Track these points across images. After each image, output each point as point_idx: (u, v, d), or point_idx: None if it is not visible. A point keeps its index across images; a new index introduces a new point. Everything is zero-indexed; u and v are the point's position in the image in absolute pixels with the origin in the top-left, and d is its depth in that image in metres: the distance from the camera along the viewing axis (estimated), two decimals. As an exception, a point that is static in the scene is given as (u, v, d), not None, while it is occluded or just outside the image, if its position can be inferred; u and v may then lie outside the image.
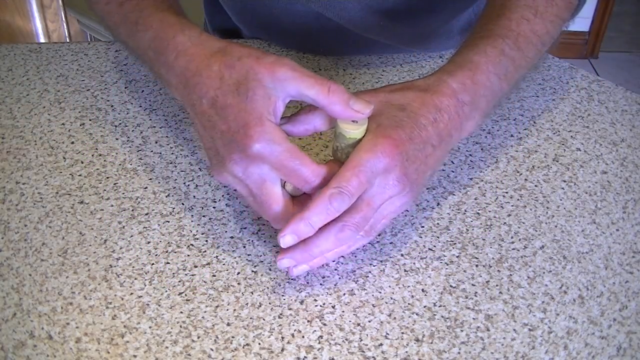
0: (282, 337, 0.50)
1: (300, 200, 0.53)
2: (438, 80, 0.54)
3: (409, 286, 0.54)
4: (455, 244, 0.58)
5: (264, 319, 0.51)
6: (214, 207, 0.60)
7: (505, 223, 0.60)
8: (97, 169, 0.64)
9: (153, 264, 0.55)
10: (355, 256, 0.56)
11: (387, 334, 0.51)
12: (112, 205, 0.60)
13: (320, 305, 0.52)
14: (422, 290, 0.54)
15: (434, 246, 0.58)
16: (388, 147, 0.49)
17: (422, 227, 0.60)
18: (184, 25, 0.56)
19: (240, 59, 0.51)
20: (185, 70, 0.53)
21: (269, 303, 0.52)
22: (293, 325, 0.51)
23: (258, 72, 0.50)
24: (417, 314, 0.52)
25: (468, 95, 0.54)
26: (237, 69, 0.51)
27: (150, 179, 0.63)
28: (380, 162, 0.49)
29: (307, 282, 0.54)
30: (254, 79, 0.50)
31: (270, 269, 0.55)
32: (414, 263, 0.56)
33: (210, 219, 0.59)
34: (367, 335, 0.50)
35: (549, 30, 0.61)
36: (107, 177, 0.63)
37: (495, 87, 0.56)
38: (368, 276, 0.55)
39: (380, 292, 0.54)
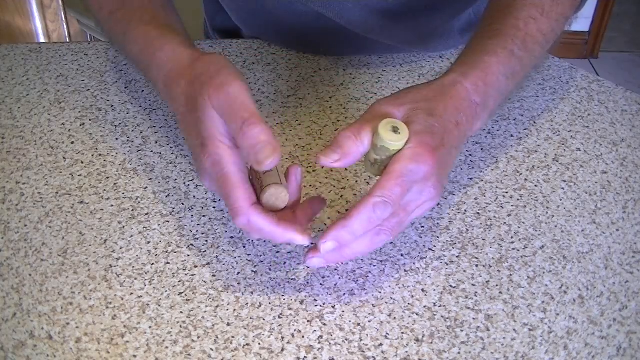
0: (282, 337, 0.50)
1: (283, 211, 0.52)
2: (453, 82, 0.54)
3: (409, 286, 0.54)
4: (455, 244, 0.58)
5: (264, 319, 0.51)
6: (214, 207, 0.60)
7: (505, 223, 0.60)
8: (97, 169, 0.64)
9: (153, 264, 0.55)
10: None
11: (387, 334, 0.51)
12: (112, 205, 0.60)
13: (320, 305, 0.52)
14: (422, 290, 0.54)
15: (434, 246, 0.58)
16: (428, 156, 0.49)
17: (422, 227, 0.60)
18: (163, 40, 0.57)
19: (199, 76, 0.53)
20: (163, 85, 0.56)
21: (269, 303, 0.52)
22: (293, 325, 0.51)
23: (207, 92, 0.51)
24: (417, 314, 0.52)
25: (479, 96, 0.55)
26: (195, 87, 0.52)
27: (150, 179, 0.63)
28: (422, 170, 0.49)
29: (307, 282, 0.54)
30: (203, 99, 0.51)
31: (270, 269, 0.55)
32: (414, 263, 0.56)
33: (210, 219, 0.59)
34: (367, 335, 0.50)
35: (554, 29, 0.61)
36: (107, 177, 0.63)
37: (503, 87, 0.57)
38: (368, 276, 0.55)
39: (380, 292, 0.54)
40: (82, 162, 0.65)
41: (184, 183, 0.63)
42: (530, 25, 0.59)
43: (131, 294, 0.53)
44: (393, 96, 0.54)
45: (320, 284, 0.54)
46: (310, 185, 0.63)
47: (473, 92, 0.54)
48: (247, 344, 0.49)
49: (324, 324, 0.51)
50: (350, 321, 0.51)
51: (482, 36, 0.59)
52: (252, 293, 0.53)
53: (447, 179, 0.55)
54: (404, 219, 0.51)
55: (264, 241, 0.57)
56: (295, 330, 0.51)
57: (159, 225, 0.59)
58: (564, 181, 0.65)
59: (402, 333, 0.51)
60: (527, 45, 0.58)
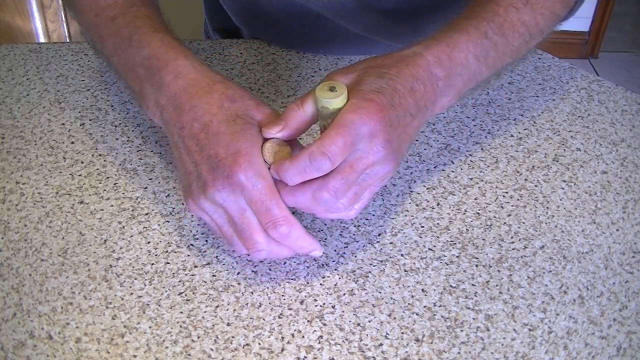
0: (282, 337, 0.50)
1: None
2: (413, 52, 0.53)
3: (409, 286, 0.54)
4: (455, 244, 0.58)
5: (264, 319, 0.51)
6: (214, 207, 0.60)
7: (505, 223, 0.60)
8: (97, 169, 0.64)
9: (153, 264, 0.55)
10: (355, 256, 0.56)
11: (387, 334, 0.51)
12: (112, 205, 0.60)
13: (320, 305, 0.52)
14: (422, 290, 0.54)
15: (434, 246, 0.58)
16: (373, 111, 0.48)
17: (422, 227, 0.60)
18: (187, 51, 0.56)
19: (242, 97, 0.52)
20: (182, 92, 0.53)
21: (269, 303, 0.52)
22: (293, 325, 0.51)
23: (256, 115, 0.52)
24: (417, 314, 0.52)
25: (442, 70, 0.53)
26: (238, 104, 0.52)
27: (150, 179, 0.63)
28: (366, 125, 0.48)
29: (307, 282, 0.54)
30: (251, 119, 0.51)
31: (270, 269, 0.55)
32: (414, 263, 0.56)
33: (210, 219, 0.59)
34: (367, 335, 0.50)
35: (538, 22, 0.60)
36: (107, 177, 0.63)
37: (473, 67, 0.55)
38: (368, 276, 0.55)
39: (380, 292, 0.54)
40: (82, 162, 0.65)
41: (184, 183, 0.63)
42: (511, 13, 0.58)
43: (131, 294, 0.53)
44: (347, 67, 0.53)
45: (320, 284, 0.54)
46: (310, 185, 0.63)
47: (435, 64, 0.53)
48: (247, 344, 0.49)
49: (324, 324, 0.51)
50: (350, 321, 0.51)
51: (458, 17, 0.58)
52: (252, 293, 0.53)
53: (407, 150, 0.54)
54: (350, 178, 0.49)
55: (264, 241, 0.57)
56: (295, 330, 0.51)
57: (159, 225, 0.59)
58: (564, 181, 0.65)
59: (402, 333, 0.51)
60: (504, 32, 0.57)
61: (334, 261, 0.56)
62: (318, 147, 0.47)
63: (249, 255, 0.52)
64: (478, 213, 0.61)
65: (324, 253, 0.56)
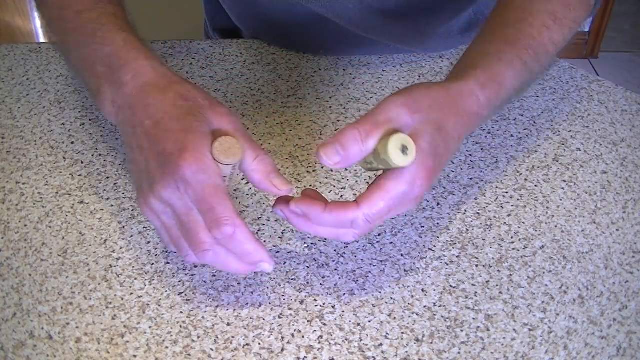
0: (282, 337, 0.50)
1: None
2: (470, 92, 0.53)
3: (409, 286, 0.54)
4: (455, 244, 0.58)
5: (264, 319, 0.51)
6: (214, 207, 0.60)
7: (505, 223, 0.60)
8: (97, 169, 0.64)
9: (153, 264, 0.55)
10: (355, 256, 0.56)
11: (387, 334, 0.51)
12: (112, 205, 0.60)
13: (320, 305, 0.52)
14: (422, 290, 0.54)
15: (434, 246, 0.58)
16: (425, 181, 0.49)
17: (422, 227, 0.60)
18: (149, 52, 0.55)
19: (197, 97, 0.51)
20: (139, 91, 0.53)
21: (269, 303, 0.52)
22: (293, 325, 0.51)
23: (208, 115, 0.50)
24: (417, 314, 0.52)
25: (488, 110, 0.54)
26: (191, 103, 0.51)
27: (150, 179, 0.63)
28: (413, 193, 0.48)
29: (307, 282, 0.54)
30: (203, 117, 0.50)
31: (270, 269, 0.55)
32: (414, 263, 0.56)
33: (210, 219, 0.59)
34: (367, 335, 0.50)
35: (565, 37, 0.60)
36: (107, 177, 0.63)
37: (508, 98, 0.57)
38: (368, 276, 0.55)
39: (380, 292, 0.54)
40: (82, 162, 0.65)
41: (184, 183, 0.63)
42: (544, 34, 0.58)
43: (131, 294, 0.53)
44: (408, 96, 0.50)
45: (320, 284, 0.54)
46: (310, 185, 0.63)
47: (485, 106, 0.54)
48: (247, 344, 0.49)
49: (324, 324, 0.51)
50: (350, 321, 0.51)
51: (497, 38, 0.58)
52: (252, 293, 0.53)
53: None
54: (378, 224, 0.50)
55: (264, 241, 0.57)
56: (295, 330, 0.51)
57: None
58: (564, 181, 0.65)
59: (402, 333, 0.51)
60: (539, 57, 0.58)
61: (334, 261, 0.56)
62: (365, 214, 0.48)
63: (197, 264, 0.51)
64: (478, 213, 0.61)
65: (323, 253, 0.56)
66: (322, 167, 0.65)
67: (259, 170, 0.50)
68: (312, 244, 0.57)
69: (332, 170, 0.65)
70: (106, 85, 0.54)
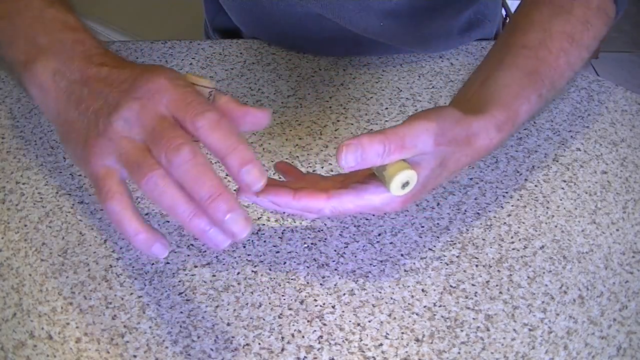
0: (282, 337, 0.50)
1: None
2: (487, 133, 0.52)
3: (409, 286, 0.54)
4: (455, 244, 0.58)
5: (264, 319, 0.51)
6: (214, 207, 0.60)
7: (505, 223, 0.60)
8: (97, 169, 0.64)
9: (153, 264, 0.55)
10: (355, 256, 0.56)
11: (387, 334, 0.51)
12: (112, 205, 0.60)
13: (320, 305, 0.52)
14: (422, 290, 0.54)
15: (434, 246, 0.58)
16: (400, 205, 0.49)
17: (422, 227, 0.60)
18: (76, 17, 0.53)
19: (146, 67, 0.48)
20: (73, 42, 0.50)
21: (269, 303, 0.52)
22: (293, 325, 0.51)
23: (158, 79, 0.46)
24: (417, 314, 0.52)
25: (496, 147, 0.54)
26: (145, 68, 0.48)
27: (150, 179, 0.63)
28: (385, 209, 0.49)
29: (307, 282, 0.54)
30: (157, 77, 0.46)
31: (270, 269, 0.55)
32: (414, 263, 0.56)
33: (210, 219, 0.59)
34: (367, 335, 0.50)
35: (583, 57, 0.60)
36: (107, 177, 0.63)
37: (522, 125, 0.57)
38: (368, 276, 0.55)
39: (380, 292, 0.54)
40: (82, 162, 0.65)
41: (184, 183, 0.63)
42: (561, 59, 0.58)
43: (131, 294, 0.53)
44: (438, 126, 0.49)
45: (320, 284, 0.54)
46: (310, 185, 0.63)
47: (495, 146, 0.54)
48: (247, 344, 0.49)
49: (324, 324, 0.51)
50: (350, 321, 0.51)
51: (519, 67, 0.56)
52: (252, 293, 0.53)
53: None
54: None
55: (264, 241, 0.57)
56: (295, 330, 0.51)
57: (159, 225, 0.58)
58: (564, 181, 0.65)
59: (402, 333, 0.51)
60: (555, 84, 0.57)
61: (334, 261, 0.56)
62: (331, 204, 0.48)
63: (155, 197, 0.43)
64: (478, 213, 0.61)
65: (323, 253, 0.56)
66: (322, 167, 0.65)
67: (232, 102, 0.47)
68: (312, 244, 0.57)
69: (332, 171, 0.65)
70: (45, 37, 0.51)
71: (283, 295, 0.53)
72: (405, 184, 0.47)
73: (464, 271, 0.56)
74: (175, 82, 0.44)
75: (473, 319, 0.52)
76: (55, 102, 0.48)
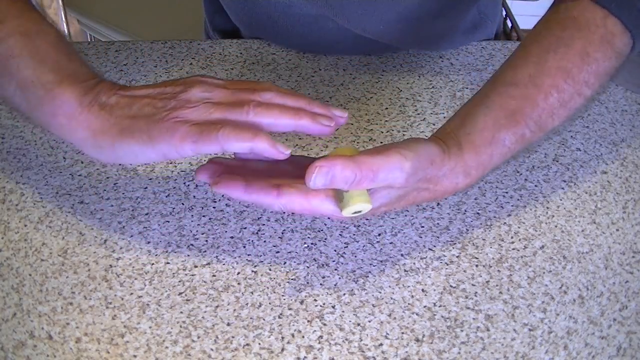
0: (282, 337, 0.50)
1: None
2: (455, 176, 0.53)
3: (409, 286, 0.54)
4: (455, 244, 0.58)
5: (264, 319, 0.51)
6: (214, 207, 0.60)
7: (505, 223, 0.60)
8: (97, 169, 0.64)
9: (153, 264, 0.55)
10: (355, 256, 0.56)
11: (387, 334, 0.51)
12: (112, 205, 0.60)
13: (320, 305, 0.52)
14: (422, 290, 0.54)
15: (434, 246, 0.58)
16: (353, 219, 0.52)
17: (422, 227, 0.60)
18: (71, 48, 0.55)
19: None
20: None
21: (269, 303, 0.52)
22: (293, 325, 0.51)
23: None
24: (417, 314, 0.52)
25: (466, 188, 0.55)
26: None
27: (150, 179, 0.63)
28: (333, 219, 0.52)
29: (307, 282, 0.54)
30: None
31: (270, 269, 0.55)
32: (414, 263, 0.56)
33: (210, 219, 0.59)
34: (367, 335, 0.50)
35: (582, 95, 0.56)
36: (107, 177, 0.63)
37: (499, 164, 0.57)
38: (368, 276, 0.55)
39: (380, 292, 0.54)
40: (82, 162, 0.65)
41: (184, 183, 0.63)
42: (552, 98, 0.54)
43: (131, 294, 0.53)
44: (413, 164, 0.49)
45: (320, 284, 0.54)
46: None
47: (462, 188, 0.54)
48: (247, 344, 0.49)
49: (324, 324, 0.51)
50: (350, 321, 0.51)
51: (502, 108, 0.55)
52: (252, 293, 0.53)
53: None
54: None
55: (264, 241, 0.57)
56: (295, 330, 0.51)
57: (159, 225, 0.59)
58: (564, 181, 0.65)
59: (402, 333, 0.51)
60: (542, 125, 0.55)
61: (334, 261, 0.56)
62: (281, 201, 0.49)
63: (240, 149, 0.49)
64: (478, 213, 0.61)
65: (323, 253, 0.56)
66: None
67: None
68: (312, 244, 0.57)
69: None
70: (71, 59, 0.53)
71: (283, 295, 0.53)
72: (357, 212, 0.48)
73: (464, 271, 0.56)
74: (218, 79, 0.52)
75: (473, 319, 0.52)
76: (95, 113, 0.51)
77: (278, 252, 0.57)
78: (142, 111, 0.50)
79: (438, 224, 0.60)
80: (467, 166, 0.53)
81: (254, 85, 0.52)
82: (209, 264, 0.55)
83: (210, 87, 0.51)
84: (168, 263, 0.55)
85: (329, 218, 0.59)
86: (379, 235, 0.58)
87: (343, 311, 0.52)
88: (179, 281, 0.54)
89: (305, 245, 0.57)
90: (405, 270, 0.55)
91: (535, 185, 0.64)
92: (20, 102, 0.52)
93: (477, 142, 0.54)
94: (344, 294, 0.53)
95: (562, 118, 0.56)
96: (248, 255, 0.56)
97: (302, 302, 0.53)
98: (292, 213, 0.60)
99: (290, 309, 0.52)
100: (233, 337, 0.50)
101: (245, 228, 0.58)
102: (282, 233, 0.58)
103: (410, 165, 0.49)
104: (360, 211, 0.48)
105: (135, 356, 0.48)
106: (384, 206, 0.51)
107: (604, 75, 0.56)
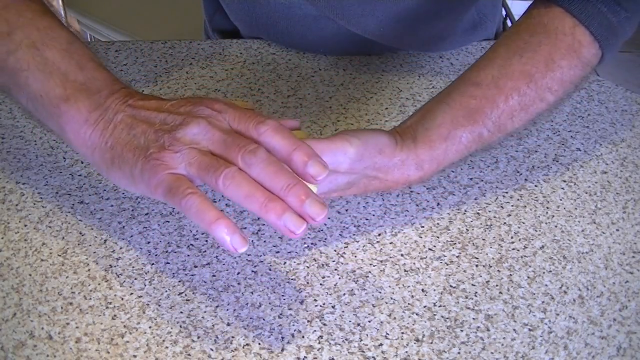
0: (282, 337, 0.50)
1: None
2: (405, 169, 0.54)
3: (409, 286, 0.54)
4: (455, 244, 0.58)
5: (264, 319, 0.51)
6: (214, 207, 0.60)
7: (505, 223, 0.60)
8: (97, 169, 0.64)
9: (153, 264, 0.55)
10: (355, 256, 0.56)
11: (387, 334, 0.51)
12: (112, 205, 0.60)
13: (320, 305, 0.52)
14: (422, 290, 0.54)
15: (434, 246, 0.58)
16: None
17: (422, 227, 0.60)
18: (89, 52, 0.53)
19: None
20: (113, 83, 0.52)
21: (269, 303, 0.52)
22: (293, 325, 0.51)
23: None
24: (417, 314, 0.52)
25: (420, 181, 0.56)
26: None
27: (150, 179, 0.63)
28: None
29: (307, 282, 0.54)
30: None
31: (270, 269, 0.55)
32: (414, 263, 0.56)
33: (210, 219, 0.59)
34: (367, 335, 0.50)
35: (545, 100, 0.56)
36: (107, 177, 0.63)
37: (450, 166, 0.58)
38: (368, 276, 0.55)
39: (380, 292, 0.54)
40: (82, 162, 0.65)
41: (184, 183, 0.63)
42: (512, 100, 0.55)
43: (131, 294, 0.53)
44: (358, 150, 0.51)
45: (320, 284, 0.54)
46: (310, 185, 0.63)
47: (416, 181, 0.55)
48: (247, 344, 0.49)
49: (324, 324, 0.51)
50: (350, 321, 0.51)
51: (462, 105, 0.56)
52: (252, 293, 0.53)
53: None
54: None
55: (264, 241, 0.57)
56: (295, 330, 0.51)
57: (159, 225, 0.59)
58: (564, 181, 0.65)
59: (402, 333, 0.51)
60: (502, 126, 0.56)
61: (334, 261, 0.56)
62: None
63: (227, 195, 0.46)
64: (478, 213, 0.61)
65: (323, 253, 0.56)
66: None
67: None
68: (312, 244, 0.57)
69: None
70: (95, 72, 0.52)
71: (283, 295, 0.53)
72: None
73: (464, 271, 0.56)
74: (231, 104, 0.49)
75: (473, 319, 0.52)
76: (99, 132, 0.49)
77: (278, 252, 0.57)
78: (136, 140, 0.48)
79: (438, 224, 0.60)
80: (419, 159, 0.54)
81: (255, 126, 0.47)
82: (209, 264, 0.55)
83: (207, 128, 0.47)
84: (168, 263, 0.55)
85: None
86: (379, 235, 0.58)
87: (343, 311, 0.52)
88: (179, 281, 0.54)
89: (305, 245, 0.57)
90: (405, 270, 0.55)
91: (535, 185, 0.64)
92: (34, 112, 0.52)
93: (433, 137, 0.55)
94: (344, 294, 0.53)
95: (522, 121, 0.57)
96: (248, 255, 0.56)
97: (302, 302, 0.53)
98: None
99: (290, 309, 0.52)
100: (233, 337, 0.50)
101: (245, 228, 0.58)
102: (282, 233, 0.58)
103: (354, 152, 0.51)
104: None
105: (135, 356, 0.48)
106: (333, 191, 0.53)
107: (569, 83, 0.57)
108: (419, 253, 0.57)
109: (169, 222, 0.59)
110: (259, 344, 0.49)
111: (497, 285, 0.55)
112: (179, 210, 0.47)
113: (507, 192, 0.64)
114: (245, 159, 0.46)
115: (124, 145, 0.48)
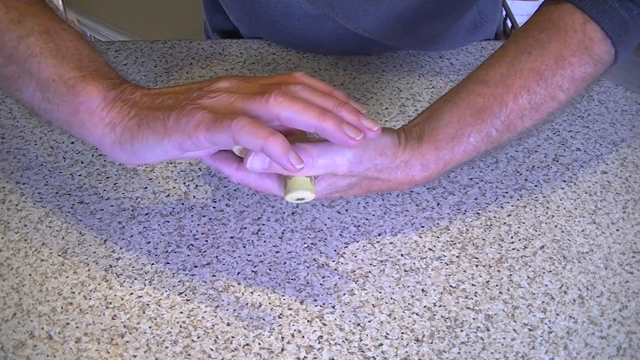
0: (282, 337, 0.50)
1: None
2: (410, 169, 0.54)
3: (409, 286, 0.54)
4: (455, 244, 0.58)
5: (264, 319, 0.51)
6: (214, 207, 0.60)
7: (505, 223, 0.60)
8: (97, 169, 0.64)
9: (153, 264, 0.55)
10: (355, 256, 0.56)
11: (387, 334, 0.51)
12: (112, 205, 0.60)
13: (320, 305, 0.52)
14: (422, 290, 0.54)
15: (434, 246, 0.58)
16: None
17: (422, 227, 0.60)
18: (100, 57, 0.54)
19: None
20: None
21: (269, 303, 0.52)
22: (293, 325, 0.51)
23: None
24: (417, 314, 0.52)
25: (425, 181, 0.56)
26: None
27: (150, 179, 0.63)
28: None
29: (307, 282, 0.54)
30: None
31: (270, 269, 0.55)
32: (414, 263, 0.56)
33: (210, 219, 0.59)
34: (367, 335, 0.50)
35: (556, 99, 0.55)
36: (107, 177, 0.63)
37: (457, 166, 0.58)
38: (368, 276, 0.55)
39: (380, 292, 0.54)
40: (82, 162, 0.65)
41: (184, 183, 0.63)
42: (522, 99, 0.54)
43: (131, 294, 0.53)
44: (357, 152, 0.51)
45: (320, 284, 0.54)
46: (310, 185, 0.63)
47: (421, 181, 0.55)
48: (247, 344, 0.49)
49: (324, 324, 0.51)
50: (350, 321, 0.51)
51: (469, 104, 0.55)
52: (252, 293, 0.53)
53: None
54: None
55: (264, 241, 0.57)
56: (295, 330, 0.51)
57: (159, 225, 0.59)
58: (564, 181, 0.65)
59: (402, 333, 0.51)
60: (511, 126, 0.55)
61: (334, 261, 0.56)
62: (236, 177, 0.52)
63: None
64: (478, 213, 0.61)
65: (323, 253, 0.56)
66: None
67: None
68: (312, 244, 0.57)
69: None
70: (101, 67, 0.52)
71: (283, 295, 0.53)
72: (300, 199, 0.49)
73: (464, 271, 0.56)
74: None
75: (473, 319, 0.52)
76: (117, 108, 0.49)
77: (278, 252, 0.57)
78: (164, 103, 0.48)
79: (438, 224, 0.60)
80: (424, 160, 0.54)
81: (285, 78, 0.49)
82: (209, 264, 0.55)
83: (237, 81, 0.49)
84: (168, 263, 0.55)
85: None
86: (379, 235, 0.58)
87: (343, 311, 0.52)
88: (179, 281, 0.54)
89: (305, 245, 0.57)
90: (405, 270, 0.55)
91: (535, 185, 0.64)
92: (40, 104, 0.50)
93: (439, 137, 0.54)
94: (344, 294, 0.53)
95: (533, 120, 0.55)
96: (248, 255, 0.56)
97: (302, 302, 0.53)
98: (292, 213, 0.60)
99: (290, 309, 0.52)
100: (233, 337, 0.50)
101: (245, 228, 0.58)
102: (282, 233, 0.58)
103: (352, 154, 0.51)
104: (303, 198, 0.49)
105: (135, 356, 0.48)
106: (334, 193, 0.53)
107: (580, 81, 0.55)
108: (419, 253, 0.57)
109: (169, 222, 0.59)
110: (259, 344, 0.49)
111: (497, 285, 0.55)
112: (228, 134, 0.44)
113: (507, 192, 0.64)
114: (289, 89, 0.47)
115: (152, 109, 0.48)
